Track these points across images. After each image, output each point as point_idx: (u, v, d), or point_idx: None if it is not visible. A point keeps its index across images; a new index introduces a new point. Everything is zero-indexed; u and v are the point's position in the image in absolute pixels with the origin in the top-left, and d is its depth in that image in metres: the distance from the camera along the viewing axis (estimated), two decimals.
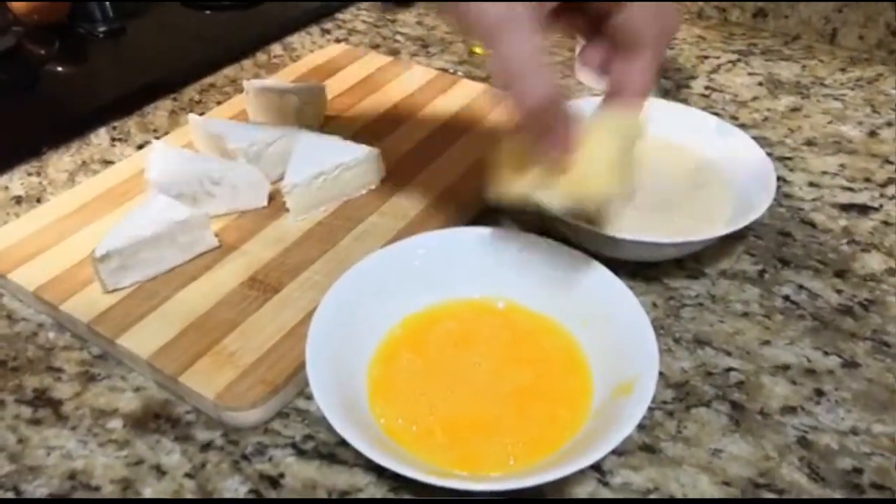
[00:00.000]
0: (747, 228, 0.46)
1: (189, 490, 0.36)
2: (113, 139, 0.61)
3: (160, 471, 0.36)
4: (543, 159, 0.36)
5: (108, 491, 0.36)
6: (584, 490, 0.35)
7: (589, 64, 0.38)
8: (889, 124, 0.61)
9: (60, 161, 0.58)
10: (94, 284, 0.44)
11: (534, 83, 0.33)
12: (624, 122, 0.36)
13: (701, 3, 0.78)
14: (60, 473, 0.36)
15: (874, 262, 0.48)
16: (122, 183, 0.52)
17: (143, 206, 0.45)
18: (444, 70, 0.68)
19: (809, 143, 0.59)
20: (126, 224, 0.44)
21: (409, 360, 0.39)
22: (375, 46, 0.74)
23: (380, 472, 0.36)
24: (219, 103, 0.64)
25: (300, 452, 0.37)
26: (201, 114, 0.59)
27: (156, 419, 0.39)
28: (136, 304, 0.43)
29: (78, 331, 0.43)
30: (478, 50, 0.71)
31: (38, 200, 0.54)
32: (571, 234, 0.45)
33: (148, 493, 0.36)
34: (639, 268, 0.46)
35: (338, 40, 0.76)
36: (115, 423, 0.39)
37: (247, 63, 0.72)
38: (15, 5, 0.74)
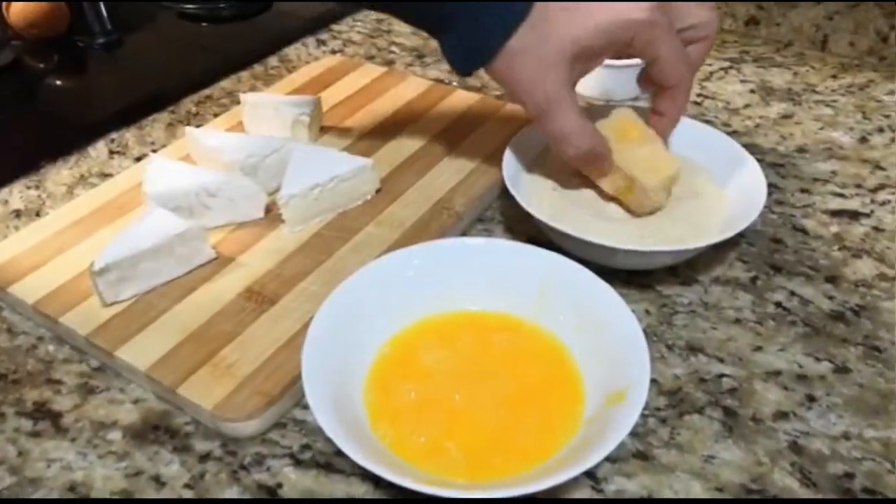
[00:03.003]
0: (739, 235, 0.46)
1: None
2: (111, 152, 0.61)
3: (159, 482, 0.37)
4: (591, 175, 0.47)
5: None
6: (578, 497, 0.36)
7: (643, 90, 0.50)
8: (880, 130, 0.62)
9: (59, 174, 0.59)
10: (92, 297, 0.44)
11: (581, 141, 0.44)
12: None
13: None
14: (60, 485, 0.37)
15: (865, 267, 0.48)
16: (120, 196, 0.53)
17: (140, 219, 0.46)
18: (440, 81, 0.68)
19: (801, 149, 0.60)
20: (124, 237, 0.44)
21: (404, 371, 0.40)
22: (371, 57, 0.75)
23: (377, 481, 0.36)
24: (216, 115, 0.64)
25: (298, 462, 0.38)
26: (198, 126, 0.60)
27: (154, 430, 0.39)
28: (134, 316, 0.43)
29: (77, 343, 0.44)
30: None
31: (38, 214, 0.54)
32: (564, 243, 0.46)
33: None
34: (632, 275, 0.47)
35: (333, 51, 0.76)
36: (115, 435, 0.39)
37: (244, 75, 0.73)
38: (13, 20, 0.75)
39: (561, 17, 0.41)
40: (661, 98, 0.47)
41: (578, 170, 0.47)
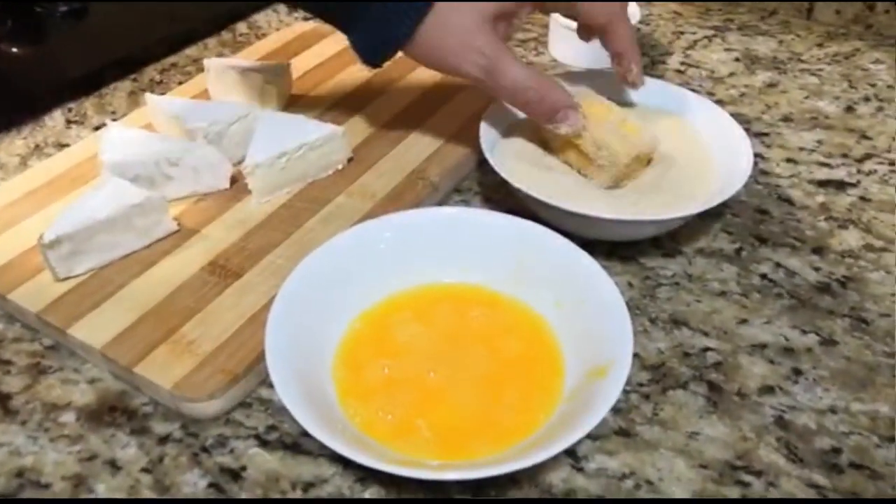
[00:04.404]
0: (724, 206, 0.45)
1: (146, 485, 0.34)
2: (68, 121, 0.58)
3: (115, 466, 0.35)
4: (562, 131, 0.44)
5: (59, 488, 0.34)
6: (558, 476, 0.34)
7: (586, 40, 0.49)
8: (866, 99, 0.60)
9: (12, 144, 0.55)
10: (45, 273, 0.42)
11: (537, 91, 0.43)
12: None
13: None
14: (7, 471, 0.34)
15: (852, 238, 0.47)
16: (76, 166, 0.50)
17: (96, 189, 0.43)
18: None
19: (786, 118, 0.58)
20: (77, 208, 0.42)
21: (376, 347, 0.38)
22: None
23: (346, 462, 0.34)
24: (180, 83, 0.61)
25: (263, 443, 0.36)
26: (162, 94, 0.57)
27: (111, 412, 0.37)
28: (89, 291, 0.41)
29: (28, 321, 0.41)
30: None
31: None
32: (544, 213, 0.44)
33: (101, 489, 0.34)
34: (614, 247, 0.45)
35: (305, 18, 0.73)
36: (68, 417, 0.37)
37: (211, 42, 0.69)
38: None
39: None
40: (609, 41, 0.46)
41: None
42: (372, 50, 0.44)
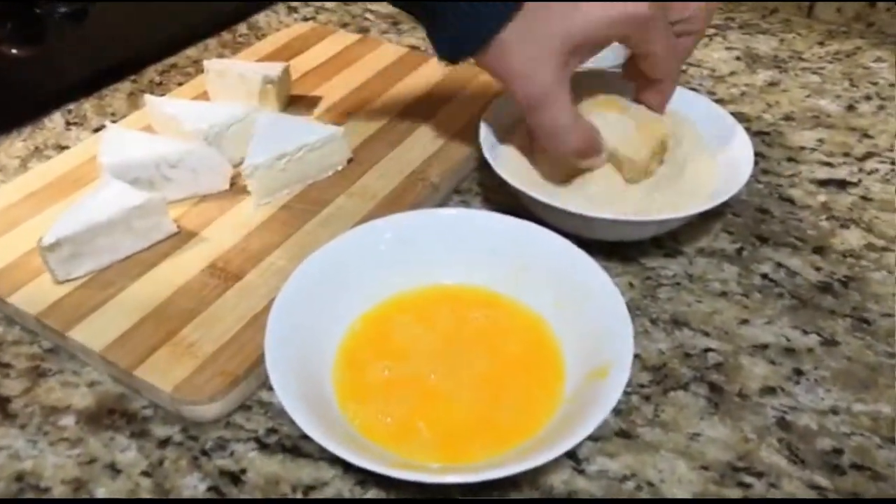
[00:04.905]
0: (725, 205, 0.44)
1: (145, 489, 0.34)
2: (68, 123, 0.58)
3: (115, 469, 0.35)
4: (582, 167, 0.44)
5: (59, 492, 0.34)
6: (559, 478, 0.34)
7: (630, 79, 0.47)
8: (868, 98, 0.60)
9: (12, 146, 0.55)
10: (44, 275, 0.42)
11: (570, 138, 0.42)
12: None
13: None
14: (7, 475, 0.34)
15: (853, 237, 0.47)
16: (76, 168, 0.50)
17: (95, 191, 0.43)
18: (415, 48, 0.66)
19: (787, 117, 0.58)
20: (77, 210, 0.42)
21: (376, 349, 0.38)
22: (344, 25, 0.72)
23: (346, 465, 0.34)
24: (180, 85, 0.61)
25: (263, 446, 0.36)
26: (162, 95, 0.57)
27: (110, 415, 0.37)
28: (89, 294, 0.41)
29: (27, 324, 0.41)
30: None
31: None
32: (544, 214, 0.44)
33: (101, 493, 0.34)
34: (615, 247, 0.45)
35: (305, 18, 0.73)
36: (68, 421, 0.37)
37: (211, 43, 0.69)
38: None
39: (557, 12, 0.39)
40: (646, 90, 0.45)
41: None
42: (452, 46, 0.41)
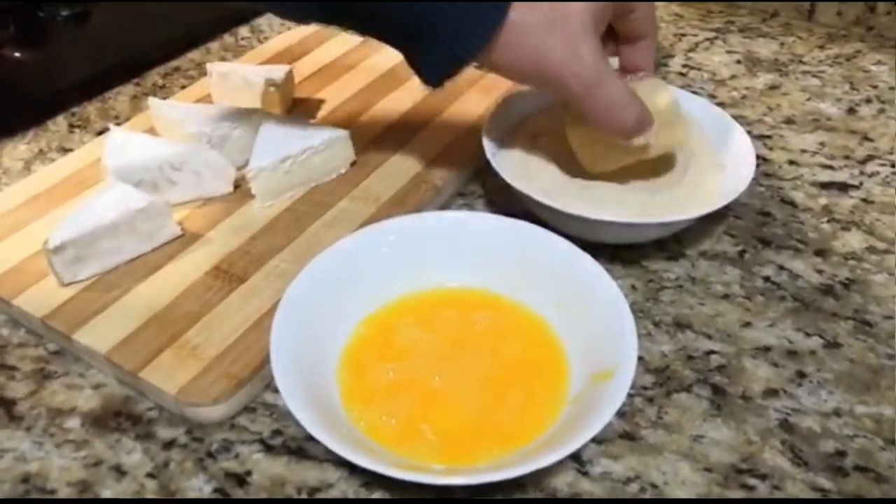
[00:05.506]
0: (727, 208, 0.44)
1: (151, 491, 0.34)
2: (71, 126, 0.58)
3: (120, 471, 0.35)
4: (636, 143, 0.42)
5: (65, 494, 0.34)
6: (562, 480, 0.34)
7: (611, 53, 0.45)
8: (868, 101, 0.60)
9: (16, 149, 0.55)
10: (49, 278, 0.42)
11: (633, 107, 0.40)
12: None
13: None
14: (13, 477, 0.34)
15: (855, 240, 0.47)
16: (80, 171, 0.50)
17: (99, 194, 0.43)
18: None
19: (788, 121, 0.58)
20: (81, 213, 0.42)
21: (380, 351, 0.38)
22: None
23: (351, 467, 0.34)
24: (183, 88, 0.61)
25: (268, 448, 0.36)
26: (165, 98, 0.57)
27: (116, 417, 0.37)
28: (94, 296, 0.41)
29: (33, 326, 0.41)
30: None
31: None
32: (547, 216, 0.44)
33: (107, 494, 0.34)
34: (617, 250, 0.45)
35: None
36: (73, 423, 0.37)
37: (213, 46, 0.69)
38: None
39: None
40: (635, 51, 0.44)
41: (570, 145, 0.45)
42: (439, 69, 0.39)
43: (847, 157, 0.54)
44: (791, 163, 0.54)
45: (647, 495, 0.34)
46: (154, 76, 0.65)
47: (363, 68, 0.62)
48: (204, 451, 0.36)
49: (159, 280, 0.42)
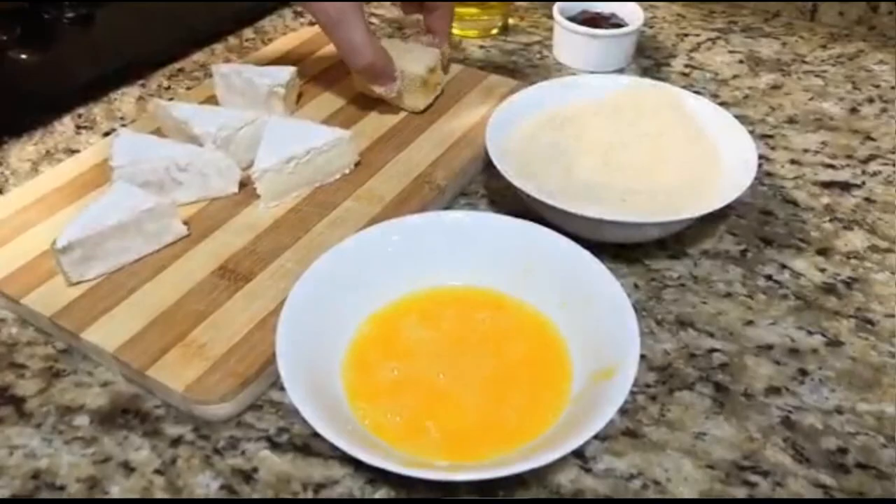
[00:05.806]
0: (729, 207, 0.45)
1: (159, 487, 0.34)
2: (78, 127, 0.59)
3: (128, 468, 0.35)
4: (377, 91, 0.53)
5: (74, 490, 0.34)
6: (566, 477, 0.35)
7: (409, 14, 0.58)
8: (870, 100, 0.61)
9: (23, 151, 0.56)
10: (57, 277, 0.42)
11: (365, 53, 0.49)
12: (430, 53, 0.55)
13: None
14: (23, 473, 0.35)
15: (857, 239, 0.47)
16: (86, 172, 0.50)
17: (106, 194, 0.44)
18: None
19: (791, 120, 0.58)
20: (88, 213, 0.42)
21: (385, 350, 0.38)
22: None
23: (357, 464, 0.35)
24: (188, 89, 0.62)
25: (274, 445, 0.36)
26: (170, 99, 0.57)
27: (124, 415, 0.38)
28: (101, 296, 0.41)
29: (41, 325, 0.41)
30: (456, 31, 0.70)
31: (0, 192, 0.52)
32: (550, 216, 0.44)
33: (115, 491, 0.34)
34: (620, 249, 0.46)
35: (311, 23, 0.74)
36: (82, 420, 0.37)
37: (218, 47, 0.70)
38: None
39: None
40: (433, 17, 0.55)
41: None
42: None
43: (849, 157, 0.54)
44: (793, 162, 0.54)
45: (650, 492, 0.34)
46: (159, 77, 0.65)
47: None
48: (211, 448, 0.36)
49: (166, 279, 0.43)
